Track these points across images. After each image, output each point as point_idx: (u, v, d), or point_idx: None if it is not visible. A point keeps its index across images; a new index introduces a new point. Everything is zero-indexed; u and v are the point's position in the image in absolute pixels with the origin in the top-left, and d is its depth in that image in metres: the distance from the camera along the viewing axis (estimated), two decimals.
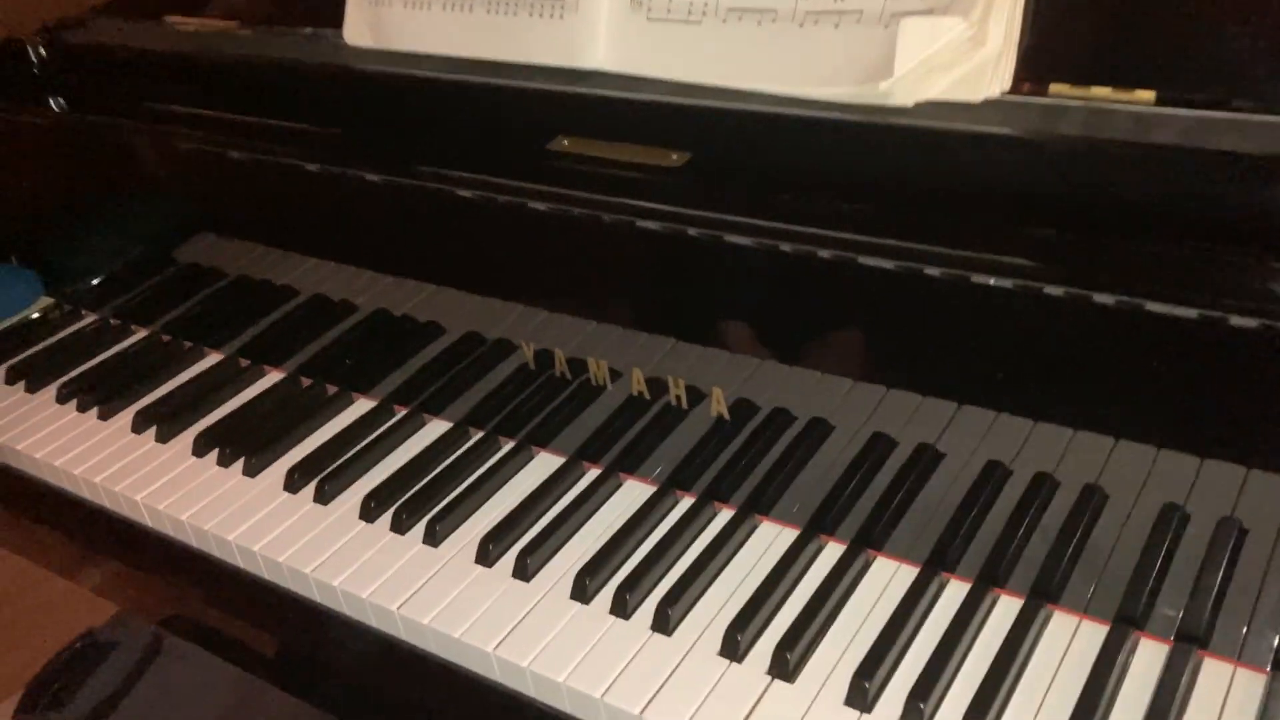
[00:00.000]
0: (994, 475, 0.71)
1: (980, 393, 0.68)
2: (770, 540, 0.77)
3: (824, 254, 0.66)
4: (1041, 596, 0.69)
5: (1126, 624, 0.66)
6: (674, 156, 0.71)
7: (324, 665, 0.84)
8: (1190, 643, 0.64)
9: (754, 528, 0.78)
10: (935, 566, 0.73)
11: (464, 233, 0.85)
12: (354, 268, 0.96)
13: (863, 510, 0.76)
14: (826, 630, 0.70)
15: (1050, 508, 0.70)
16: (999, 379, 0.67)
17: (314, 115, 0.88)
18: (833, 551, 0.76)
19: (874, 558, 0.75)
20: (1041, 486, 0.70)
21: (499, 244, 0.84)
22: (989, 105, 0.62)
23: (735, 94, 0.69)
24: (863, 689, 0.64)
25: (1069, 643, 0.67)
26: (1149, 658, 0.65)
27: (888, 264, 0.64)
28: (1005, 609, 0.70)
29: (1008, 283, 0.61)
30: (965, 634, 0.68)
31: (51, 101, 0.99)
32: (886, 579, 0.73)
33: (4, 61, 1.01)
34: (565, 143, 0.75)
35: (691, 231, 0.70)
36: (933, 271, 0.63)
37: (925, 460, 0.74)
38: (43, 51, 0.99)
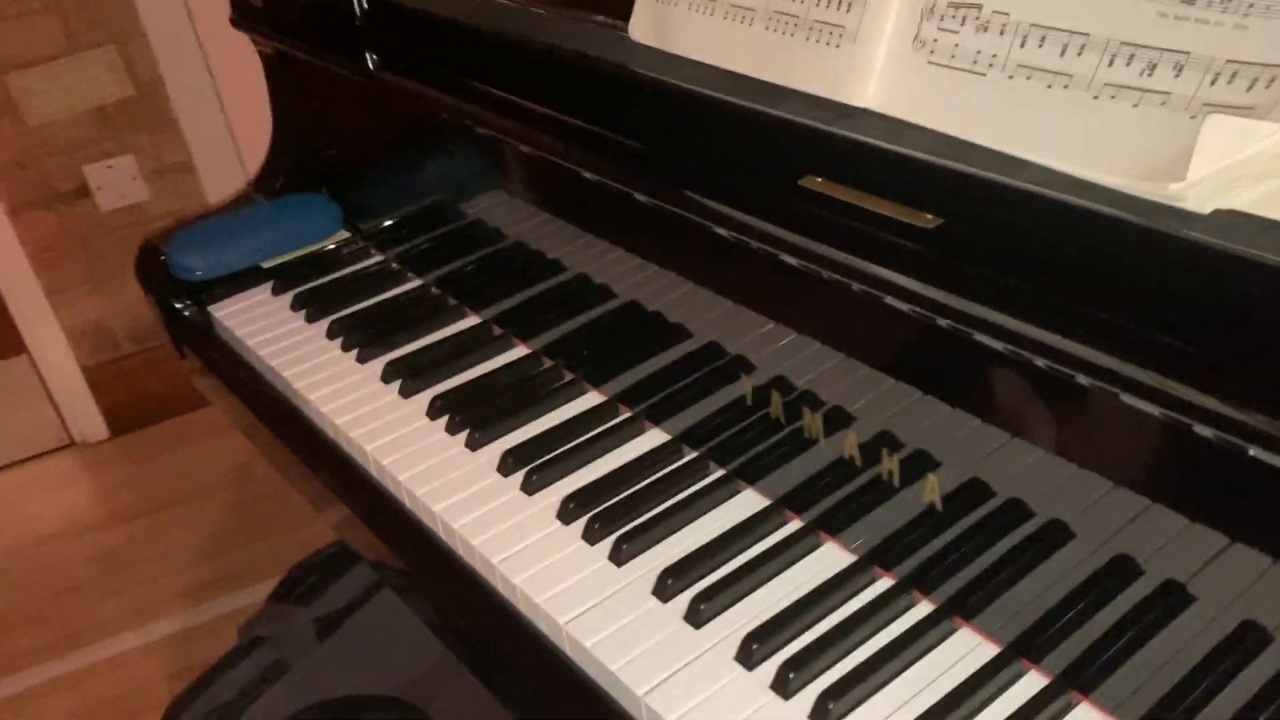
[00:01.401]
0: (1248, 639, 0.60)
1: (1256, 536, 0.58)
2: (965, 651, 0.70)
3: (1082, 381, 0.58)
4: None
5: None
6: (928, 218, 0.64)
7: (501, 656, 0.84)
8: None
9: (951, 631, 0.71)
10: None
11: (718, 254, 0.81)
12: (620, 253, 0.94)
13: (1080, 643, 0.67)
14: None
15: None
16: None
17: (593, 111, 0.86)
18: (1032, 682, 0.67)
19: (1078, 701, 0.66)
20: None
21: (748, 273, 0.80)
22: None
23: (1002, 160, 0.60)
24: None
25: None
26: None
27: (1153, 411, 0.55)
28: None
29: None
30: None
31: (366, 56, 1.04)
32: None
33: (330, 15, 1.06)
34: (818, 181, 0.69)
35: (941, 322, 0.64)
36: (1203, 432, 0.54)
37: (1170, 601, 0.64)
38: (365, 6, 1.04)
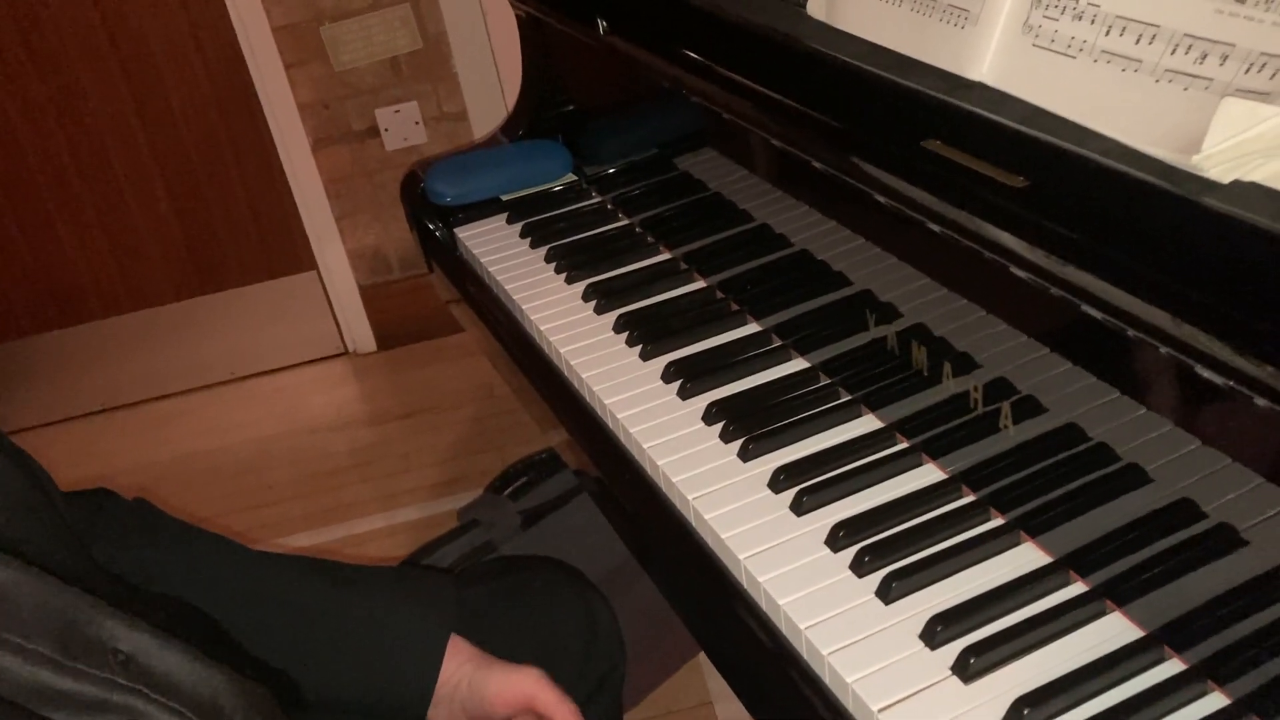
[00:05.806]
0: None
1: None
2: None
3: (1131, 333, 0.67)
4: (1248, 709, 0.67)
5: None
6: (1019, 179, 0.74)
7: (680, 578, 0.97)
8: None
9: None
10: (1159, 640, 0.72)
11: (864, 208, 0.93)
12: (802, 208, 1.07)
13: (1123, 565, 0.76)
14: None
15: None
16: None
17: (772, 79, 0.98)
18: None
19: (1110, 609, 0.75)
20: None
21: (883, 229, 0.92)
22: None
23: (1078, 131, 0.70)
24: None
25: None
26: None
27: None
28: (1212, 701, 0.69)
29: None
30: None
31: (599, 22, 1.21)
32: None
33: None
34: (936, 144, 0.80)
35: (1020, 272, 0.74)
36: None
37: (1222, 541, 0.72)
38: None
